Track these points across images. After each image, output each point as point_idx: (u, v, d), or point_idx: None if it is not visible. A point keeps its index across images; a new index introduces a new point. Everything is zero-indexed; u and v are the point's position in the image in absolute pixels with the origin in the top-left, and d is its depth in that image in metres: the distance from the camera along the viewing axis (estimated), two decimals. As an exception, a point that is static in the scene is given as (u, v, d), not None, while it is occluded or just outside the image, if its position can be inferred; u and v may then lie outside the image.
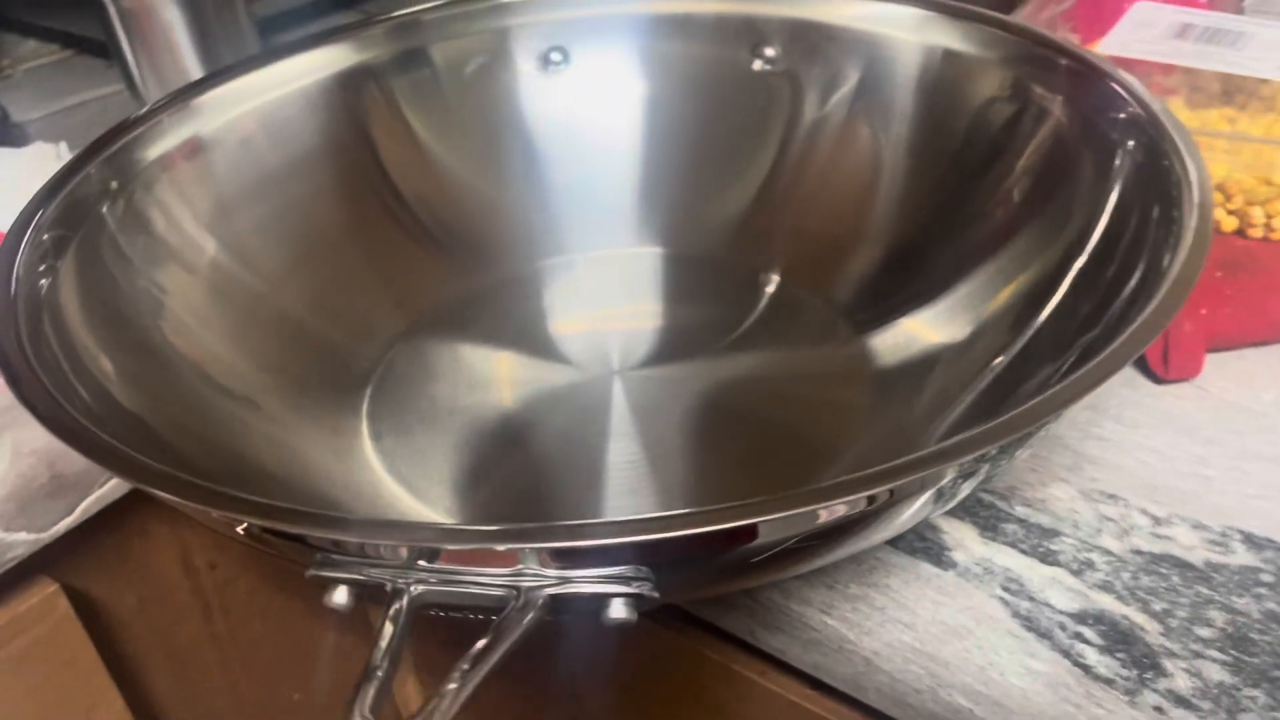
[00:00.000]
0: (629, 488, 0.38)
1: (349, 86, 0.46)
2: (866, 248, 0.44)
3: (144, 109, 0.42)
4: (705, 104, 0.48)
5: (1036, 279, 0.37)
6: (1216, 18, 0.48)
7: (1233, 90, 0.46)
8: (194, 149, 0.42)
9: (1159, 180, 0.33)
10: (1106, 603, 0.32)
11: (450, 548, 0.24)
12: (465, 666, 0.23)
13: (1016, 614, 0.32)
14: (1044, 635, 0.31)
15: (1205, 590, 0.32)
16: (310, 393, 0.41)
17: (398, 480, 0.38)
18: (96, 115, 0.68)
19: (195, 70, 0.61)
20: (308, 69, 0.46)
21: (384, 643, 0.24)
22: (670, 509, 0.36)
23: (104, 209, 0.38)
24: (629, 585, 0.24)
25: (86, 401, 0.31)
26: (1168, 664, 0.30)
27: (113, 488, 0.44)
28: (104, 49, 0.69)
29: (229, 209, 0.43)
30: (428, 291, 0.46)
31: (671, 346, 0.43)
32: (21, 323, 0.32)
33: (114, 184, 0.39)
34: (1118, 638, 0.31)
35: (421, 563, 0.25)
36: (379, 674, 0.24)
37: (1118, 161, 0.36)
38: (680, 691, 0.43)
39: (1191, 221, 0.30)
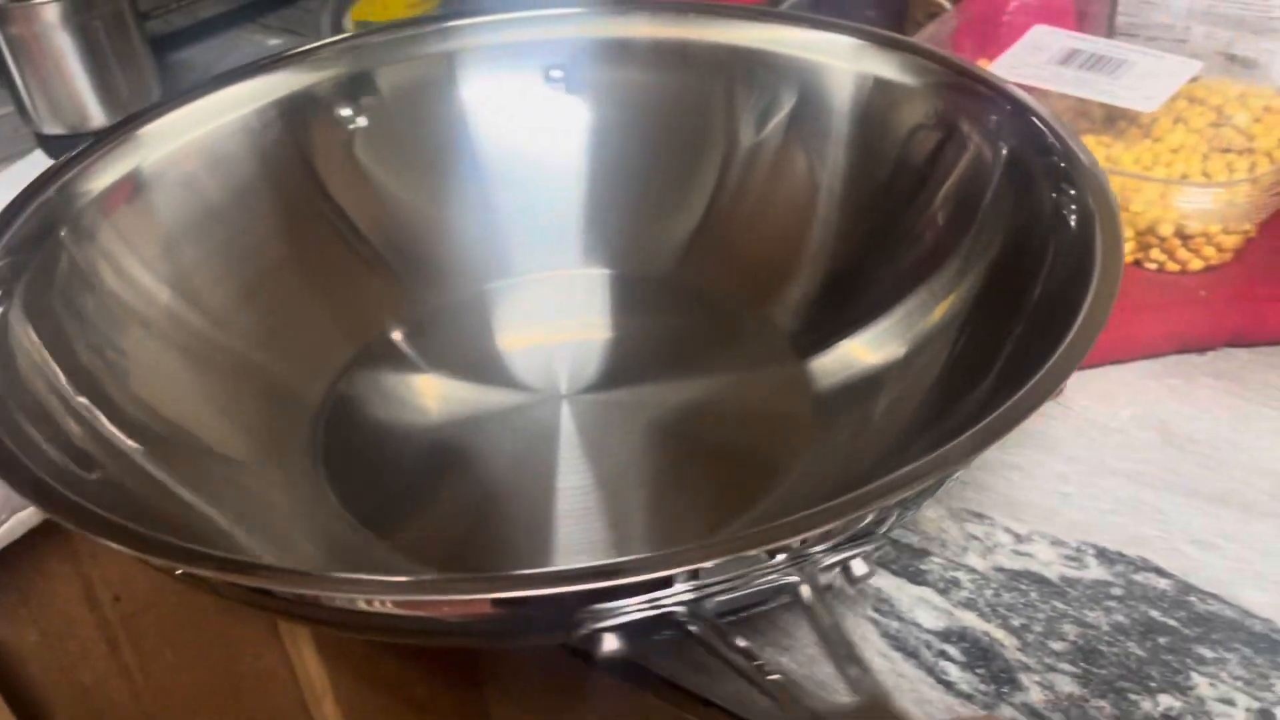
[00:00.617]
0: (580, 510, 0.38)
1: (293, 113, 0.46)
2: (805, 270, 0.45)
3: (79, 148, 0.41)
4: (648, 129, 0.49)
5: (965, 301, 0.39)
6: (1104, 45, 0.50)
7: (1115, 116, 0.49)
8: (135, 188, 0.42)
9: (1070, 209, 0.35)
10: (969, 620, 0.34)
11: (730, 557, 0.25)
12: (846, 662, 0.25)
13: (886, 634, 0.34)
14: (910, 654, 0.33)
15: (1060, 605, 0.34)
16: (264, 434, 0.41)
17: (357, 516, 0.38)
18: (-12, 139, 0.67)
19: (87, 93, 0.61)
20: (250, 96, 0.45)
21: (731, 659, 0.25)
22: (622, 533, 0.37)
23: (43, 261, 0.38)
24: (868, 544, 0.27)
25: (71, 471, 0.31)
26: (1023, 678, 0.32)
27: (9, 529, 0.44)
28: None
29: (173, 247, 0.42)
30: (375, 318, 0.46)
31: (618, 369, 0.44)
32: None
33: (58, 233, 0.39)
34: (978, 654, 0.33)
35: (688, 583, 0.25)
36: (768, 677, 0.25)
37: (1032, 189, 0.37)
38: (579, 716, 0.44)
39: (1099, 251, 0.32)
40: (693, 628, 0.25)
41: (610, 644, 0.25)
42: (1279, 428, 0.40)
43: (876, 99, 0.44)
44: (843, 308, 0.43)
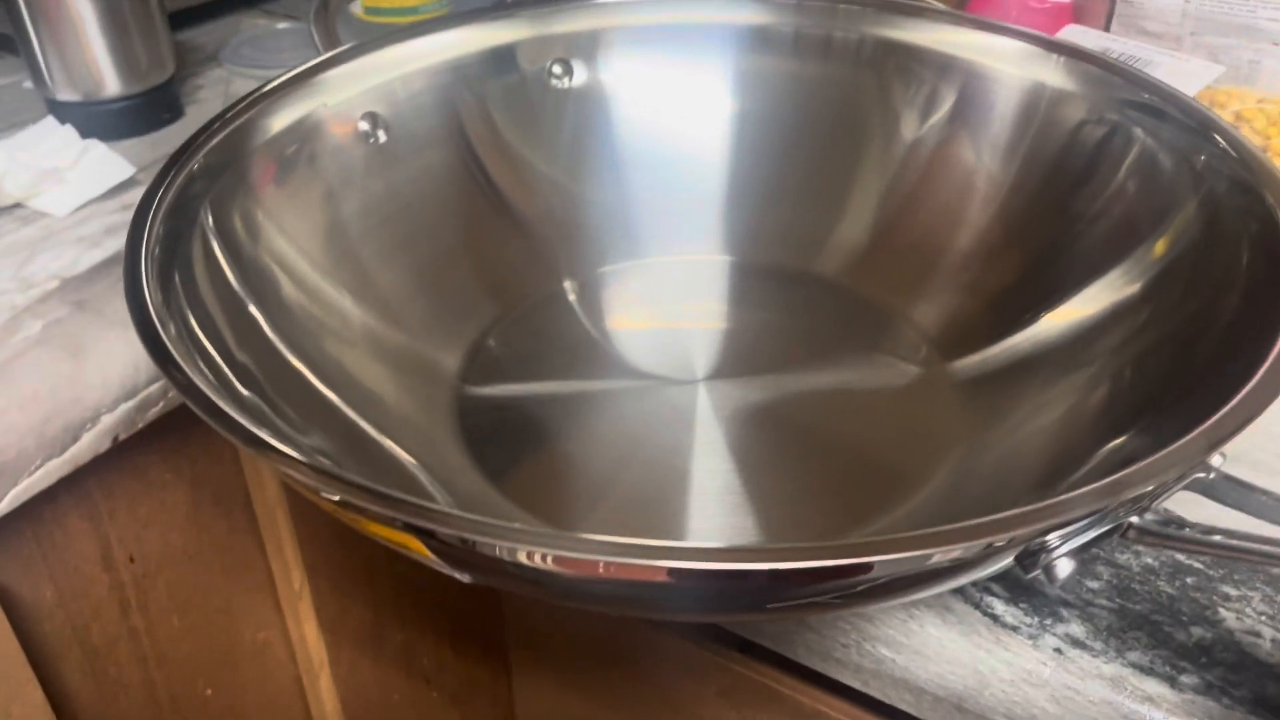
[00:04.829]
0: (719, 490, 0.38)
1: (445, 81, 0.47)
2: (953, 272, 0.44)
3: (260, 88, 0.41)
4: (792, 120, 0.48)
5: (1128, 314, 0.38)
6: (1134, 46, 0.53)
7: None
8: (306, 132, 0.43)
9: (1257, 219, 0.35)
10: (1009, 561, 0.36)
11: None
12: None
13: (932, 573, 0.36)
14: (956, 591, 0.35)
15: (1092, 549, 0.36)
16: (404, 385, 0.41)
17: (488, 476, 0.38)
18: (-6, 106, 0.66)
19: (105, 60, 0.61)
20: (409, 57, 0.46)
21: (1198, 539, 0.29)
22: (764, 518, 0.37)
23: (212, 203, 0.38)
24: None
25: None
26: (1064, 611, 0.34)
27: (42, 476, 0.44)
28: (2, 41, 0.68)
29: (332, 199, 0.43)
30: (516, 286, 0.47)
31: (757, 358, 0.44)
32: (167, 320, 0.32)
33: (224, 174, 0.39)
34: (1020, 591, 0.35)
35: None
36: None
37: (1208, 200, 0.37)
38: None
39: None
40: (1145, 524, 0.28)
41: (1065, 568, 0.27)
42: (1280, 398, 0.43)
43: (1039, 103, 0.43)
44: (988, 310, 0.42)
